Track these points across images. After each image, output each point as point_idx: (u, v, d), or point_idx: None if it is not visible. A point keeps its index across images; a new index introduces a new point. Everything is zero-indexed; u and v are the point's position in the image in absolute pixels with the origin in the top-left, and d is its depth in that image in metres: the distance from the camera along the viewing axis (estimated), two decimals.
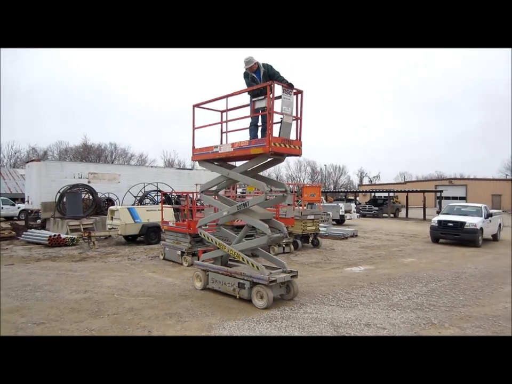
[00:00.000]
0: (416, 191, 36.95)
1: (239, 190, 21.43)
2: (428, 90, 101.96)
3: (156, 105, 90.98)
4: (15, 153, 56.26)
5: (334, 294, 7.39)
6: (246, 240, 7.72)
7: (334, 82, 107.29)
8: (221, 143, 7.27)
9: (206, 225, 8.03)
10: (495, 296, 7.44)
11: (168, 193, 17.77)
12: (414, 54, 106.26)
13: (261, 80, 6.68)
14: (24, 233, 15.09)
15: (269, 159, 6.74)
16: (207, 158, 7.41)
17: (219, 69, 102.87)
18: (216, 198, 7.91)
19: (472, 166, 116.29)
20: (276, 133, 6.30)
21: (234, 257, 7.11)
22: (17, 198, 29.66)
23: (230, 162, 7.68)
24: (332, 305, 6.64)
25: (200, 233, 7.70)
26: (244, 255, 6.80)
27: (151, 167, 30.94)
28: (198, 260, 8.23)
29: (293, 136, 6.63)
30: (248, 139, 6.80)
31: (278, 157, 6.77)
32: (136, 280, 8.34)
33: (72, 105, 79.98)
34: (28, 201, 18.94)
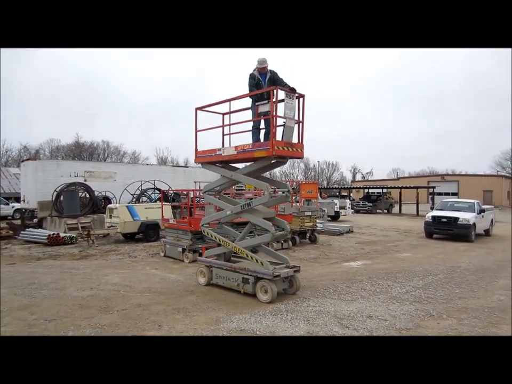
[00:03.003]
0: (410, 187, 37.39)
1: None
2: (418, 86, 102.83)
3: (148, 101, 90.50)
4: (6, 152, 55.75)
5: (334, 288, 7.60)
6: (248, 237, 7.90)
7: (324, 76, 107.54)
8: (223, 145, 7.41)
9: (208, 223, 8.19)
10: (489, 289, 7.71)
11: (166, 191, 17.85)
12: (405, 50, 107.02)
13: (265, 84, 6.87)
14: (22, 232, 15.08)
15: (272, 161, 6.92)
16: (210, 160, 7.56)
17: (211, 62, 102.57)
18: (218, 197, 8.06)
19: (463, 161, 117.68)
20: (278, 136, 6.48)
21: (238, 254, 7.28)
22: (10, 197, 29.43)
23: (232, 164, 7.82)
24: (333, 298, 6.85)
25: (204, 231, 7.85)
26: (248, 251, 6.98)
27: (147, 164, 30.87)
28: (200, 256, 8.39)
29: (295, 139, 6.79)
30: (251, 142, 6.97)
31: (281, 160, 6.97)
32: (139, 277, 8.47)
33: (63, 102, 79.31)
34: (24, 201, 18.88)
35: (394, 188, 38.30)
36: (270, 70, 6.98)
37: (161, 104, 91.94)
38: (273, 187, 6.73)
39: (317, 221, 15.21)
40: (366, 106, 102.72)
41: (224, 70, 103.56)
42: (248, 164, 7.40)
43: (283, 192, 7.12)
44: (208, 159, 7.59)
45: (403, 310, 6.18)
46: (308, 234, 14.25)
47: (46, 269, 9.45)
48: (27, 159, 20.97)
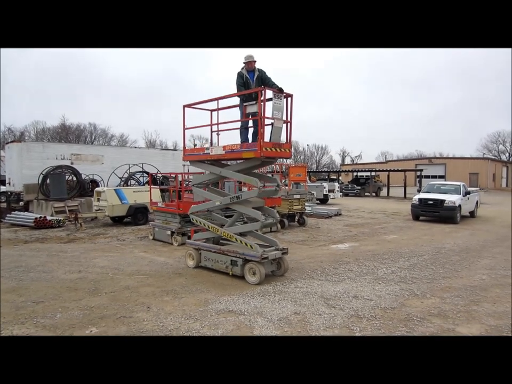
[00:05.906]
0: (397, 170, 37.74)
1: None
2: (405, 68, 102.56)
3: (135, 83, 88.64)
4: None
5: (322, 269, 7.72)
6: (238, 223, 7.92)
7: (311, 58, 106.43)
8: (211, 143, 7.34)
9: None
10: (472, 269, 7.91)
11: (154, 174, 17.71)
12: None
13: (253, 82, 6.80)
14: (8, 215, 14.88)
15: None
16: (198, 159, 7.53)
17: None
18: (207, 190, 8.02)
19: (450, 144, 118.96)
20: (266, 137, 6.43)
21: (227, 238, 7.32)
22: None
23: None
24: (321, 279, 6.96)
25: (192, 218, 7.83)
26: (237, 236, 7.02)
27: (135, 147, 30.55)
28: (189, 239, 8.40)
29: (283, 139, 6.73)
30: (239, 141, 6.92)
31: (269, 160, 6.98)
32: (128, 260, 8.46)
33: (47, 82, 77.12)
34: (10, 183, 18.57)
35: (383, 171, 38.57)
36: (258, 69, 6.89)
37: (150, 86, 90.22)
38: (262, 181, 6.75)
39: (306, 204, 15.30)
40: (351, 87, 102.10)
41: (212, 52, 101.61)
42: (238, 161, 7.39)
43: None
44: (196, 158, 7.57)
45: (388, 290, 6.32)
46: (296, 217, 14.37)
47: (33, 252, 9.38)
48: (12, 141, 20.54)
